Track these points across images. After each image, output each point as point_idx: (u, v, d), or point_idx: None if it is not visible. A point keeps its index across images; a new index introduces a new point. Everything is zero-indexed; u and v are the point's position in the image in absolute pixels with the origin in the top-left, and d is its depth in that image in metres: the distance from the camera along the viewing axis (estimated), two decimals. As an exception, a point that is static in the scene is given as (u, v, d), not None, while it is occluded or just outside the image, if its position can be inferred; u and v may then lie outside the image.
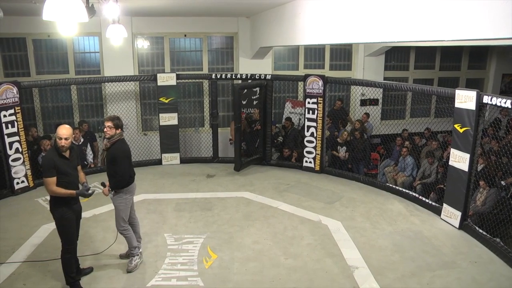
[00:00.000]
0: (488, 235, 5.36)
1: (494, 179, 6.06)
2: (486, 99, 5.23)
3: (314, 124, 8.10)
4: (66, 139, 4.06)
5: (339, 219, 6.12)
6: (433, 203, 6.45)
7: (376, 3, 4.86)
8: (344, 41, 6.11)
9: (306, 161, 8.38)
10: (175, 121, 8.71)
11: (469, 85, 11.32)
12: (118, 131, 4.54)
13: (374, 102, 10.21)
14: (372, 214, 6.31)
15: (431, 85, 10.55)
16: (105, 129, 4.51)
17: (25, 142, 7.07)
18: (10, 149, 6.88)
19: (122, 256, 4.98)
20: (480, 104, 5.34)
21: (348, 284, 4.50)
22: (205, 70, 9.95)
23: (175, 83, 8.57)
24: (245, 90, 9.34)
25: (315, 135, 8.14)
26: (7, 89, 6.79)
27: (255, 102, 9.64)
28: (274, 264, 4.90)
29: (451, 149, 5.85)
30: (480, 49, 11.26)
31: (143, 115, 9.92)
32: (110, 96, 9.15)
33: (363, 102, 10.36)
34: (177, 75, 8.60)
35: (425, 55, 11.11)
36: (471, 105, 5.42)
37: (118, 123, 4.54)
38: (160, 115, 8.63)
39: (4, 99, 6.75)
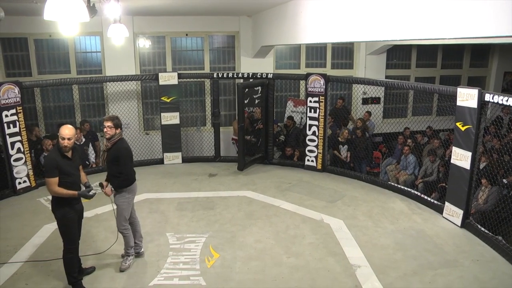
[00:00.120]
0: (490, 233, 5.35)
1: (496, 177, 6.04)
2: (488, 97, 5.21)
3: (316, 122, 8.10)
4: (69, 139, 4.04)
5: (341, 217, 6.12)
6: (435, 202, 6.44)
7: (377, 1, 4.85)
8: (345, 40, 6.08)
9: (308, 160, 8.37)
10: (177, 121, 8.72)
11: (471, 83, 11.30)
12: (118, 131, 4.52)
13: (376, 100, 10.21)
14: (374, 213, 6.30)
15: (433, 83, 10.52)
16: (105, 129, 4.48)
17: (26, 142, 7.08)
18: (12, 149, 6.89)
19: (123, 256, 4.98)
20: (482, 102, 5.33)
21: (350, 283, 4.50)
22: (207, 69, 9.95)
23: (176, 82, 8.57)
24: (247, 89, 9.34)
25: (317, 133, 8.13)
26: (8, 89, 6.80)
27: (256, 101, 9.64)
28: (276, 263, 4.90)
29: (453, 147, 5.84)
30: (482, 47, 11.22)
31: (144, 114, 9.92)
32: (111, 95, 9.16)
33: (365, 101, 10.34)
34: (178, 74, 8.60)
35: (427, 53, 11.08)
36: (473, 103, 5.41)
37: (117, 123, 4.52)
38: (162, 114, 8.64)
39: (6, 99, 6.76)
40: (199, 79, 9.63)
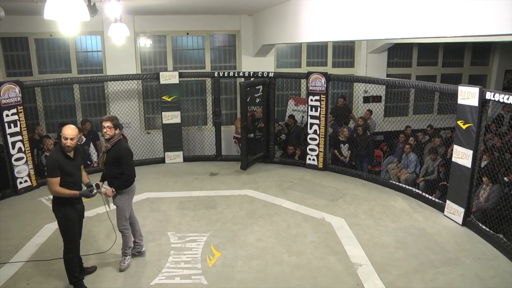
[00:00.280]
0: (491, 232, 5.34)
1: (497, 175, 6.03)
2: (489, 95, 5.21)
3: (317, 121, 8.09)
4: (72, 139, 4.02)
5: (343, 216, 6.12)
6: (436, 200, 6.44)
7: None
8: (347, 38, 6.08)
9: (309, 159, 8.37)
10: (178, 120, 8.72)
11: (472, 81, 11.26)
12: (117, 131, 4.50)
13: (377, 99, 10.21)
14: (376, 211, 6.30)
15: (434, 82, 10.49)
16: (104, 130, 4.44)
17: (27, 142, 7.08)
18: (13, 148, 6.90)
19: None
20: (483, 101, 5.32)
21: (352, 282, 4.50)
22: (208, 68, 9.95)
23: (177, 82, 8.57)
24: (248, 88, 9.33)
25: (318, 132, 8.13)
26: (9, 89, 6.81)
27: (257, 100, 9.64)
28: (277, 262, 4.90)
29: (454, 145, 5.83)
30: (483, 45, 11.20)
31: (146, 113, 9.93)
32: (112, 95, 9.16)
33: (366, 99, 10.34)
34: (179, 73, 8.60)
35: (428, 51, 11.07)
36: (474, 102, 5.40)
37: (117, 123, 4.50)
38: (163, 113, 8.64)
39: (7, 99, 6.76)
40: (200, 78, 9.63)
